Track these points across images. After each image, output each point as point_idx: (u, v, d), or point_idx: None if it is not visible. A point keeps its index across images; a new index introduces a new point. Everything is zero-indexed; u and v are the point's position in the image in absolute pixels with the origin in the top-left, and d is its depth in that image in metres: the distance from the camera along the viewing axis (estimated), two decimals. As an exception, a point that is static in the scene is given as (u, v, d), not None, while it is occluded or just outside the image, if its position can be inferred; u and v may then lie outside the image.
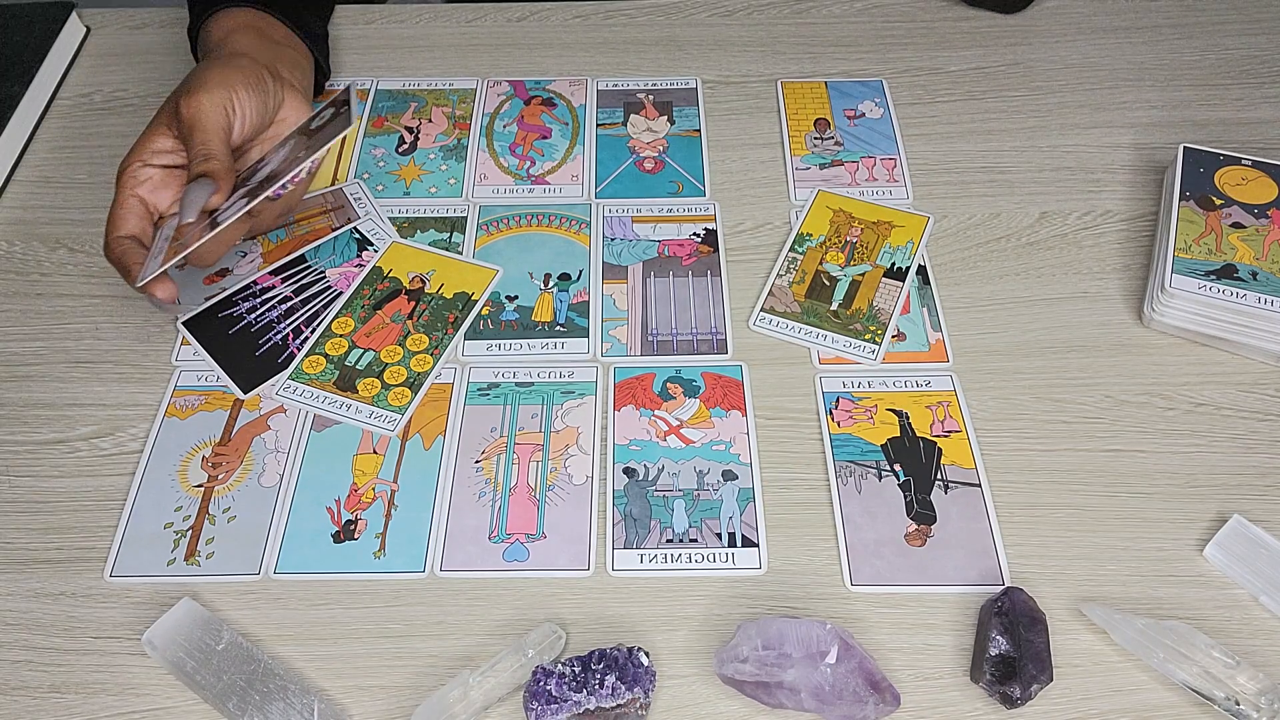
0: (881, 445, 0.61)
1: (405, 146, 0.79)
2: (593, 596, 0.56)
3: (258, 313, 0.68)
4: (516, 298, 0.69)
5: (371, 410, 0.63)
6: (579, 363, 0.66)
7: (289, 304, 0.69)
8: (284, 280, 0.70)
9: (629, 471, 0.60)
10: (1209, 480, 0.60)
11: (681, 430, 0.62)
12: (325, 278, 0.70)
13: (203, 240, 0.61)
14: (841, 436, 0.62)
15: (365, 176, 0.77)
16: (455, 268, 0.71)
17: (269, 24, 0.75)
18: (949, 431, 0.62)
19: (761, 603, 0.55)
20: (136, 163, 0.65)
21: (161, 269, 0.61)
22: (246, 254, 0.71)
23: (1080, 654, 0.53)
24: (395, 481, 0.60)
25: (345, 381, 0.64)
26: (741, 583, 0.56)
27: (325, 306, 0.68)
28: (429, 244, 0.72)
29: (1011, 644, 0.51)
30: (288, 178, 0.62)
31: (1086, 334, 0.67)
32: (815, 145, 0.79)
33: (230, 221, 0.62)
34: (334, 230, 0.72)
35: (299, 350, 0.66)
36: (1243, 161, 0.71)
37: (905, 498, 0.59)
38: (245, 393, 0.64)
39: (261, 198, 0.62)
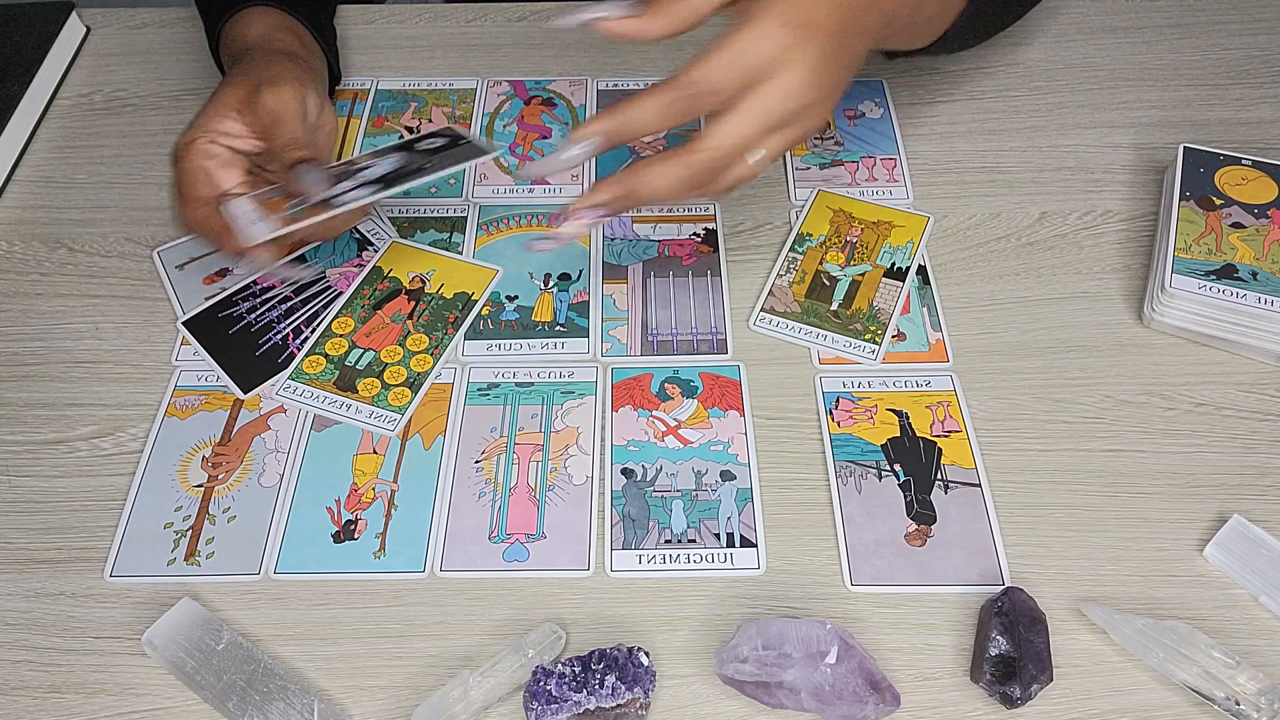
0: (881, 445, 0.61)
1: (405, 146, 0.79)
2: (593, 597, 0.56)
3: (258, 313, 0.68)
4: (516, 298, 0.69)
5: (371, 410, 0.63)
6: (579, 363, 0.66)
7: (289, 304, 0.69)
8: (284, 280, 0.70)
9: (627, 472, 0.60)
10: (1209, 480, 0.60)
11: (679, 431, 0.62)
12: (325, 278, 0.70)
13: (336, 213, 0.62)
14: (841, 436, 0.62)
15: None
16: (455, 268, 0.71)
17: (298, 28, 0.75)
18: (949, 431, 0.62)
19: (761, 603, 0.55)
20: (204, 138, 0.64)
21: (284, 231, 0.61)
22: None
23: (1080, 654, 0.53)
24: (395, 481, 0.60)
25: (345, 381, 0.64)
26: (741, 583, 0.56)
27: (325, 306, 0.68)
28: (429, 244, 0.72)
29: (1011, 644, 0.51)
30: (433, 178, 0.64)
31: (1086, 334, 0.67)
32: (815, 145, 0.79)
33: (356, 206, 0.62)
34: (334, 230, 0.72)
35: (299, 350, 0.66)
36: (1243, 161, 0.71)
37: (905, 498, 0.59)
38: (245, 393, 0.64)
39: (398, 190, 0.63)
